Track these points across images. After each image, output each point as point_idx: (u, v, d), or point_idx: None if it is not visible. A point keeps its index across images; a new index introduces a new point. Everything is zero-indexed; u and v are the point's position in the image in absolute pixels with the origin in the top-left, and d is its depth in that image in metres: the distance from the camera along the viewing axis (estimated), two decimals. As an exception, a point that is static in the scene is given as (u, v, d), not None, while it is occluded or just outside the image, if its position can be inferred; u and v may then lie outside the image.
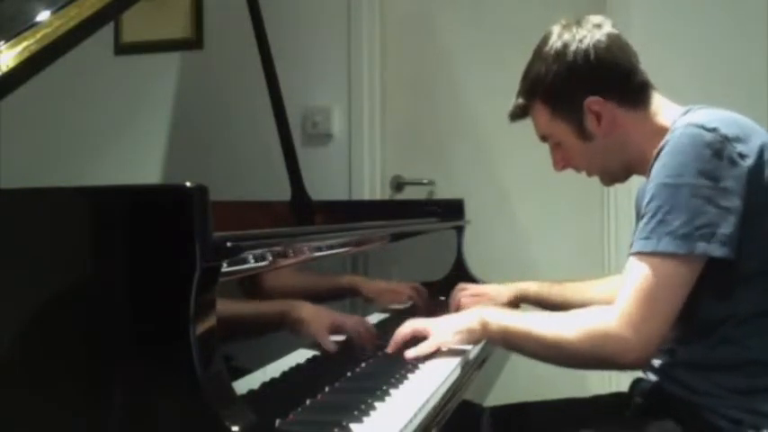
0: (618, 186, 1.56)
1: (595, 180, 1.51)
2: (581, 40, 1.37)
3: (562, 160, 1.48)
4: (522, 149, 2.59)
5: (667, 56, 2.37)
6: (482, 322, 1.35)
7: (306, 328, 1.22)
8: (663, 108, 1.39)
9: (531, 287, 1.74)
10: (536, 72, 1.42)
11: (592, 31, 1.38)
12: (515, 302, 1.73)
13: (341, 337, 1.32)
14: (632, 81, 1.39)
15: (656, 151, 1.27)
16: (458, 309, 1.69)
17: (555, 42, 1.40)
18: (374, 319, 1.55)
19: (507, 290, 1.74)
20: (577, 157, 1.46)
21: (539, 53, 1.43)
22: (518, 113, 1.48)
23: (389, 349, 1.38)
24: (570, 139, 1.42)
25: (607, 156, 1.42)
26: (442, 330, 1.37)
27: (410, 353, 1.33)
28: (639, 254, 1.22)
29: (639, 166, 1.39)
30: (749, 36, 2.36)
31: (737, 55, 2.37)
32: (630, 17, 2.42)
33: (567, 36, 1.39)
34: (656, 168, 1.24)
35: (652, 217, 1.22)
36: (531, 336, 1.30)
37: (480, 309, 1.45)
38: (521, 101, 1.46)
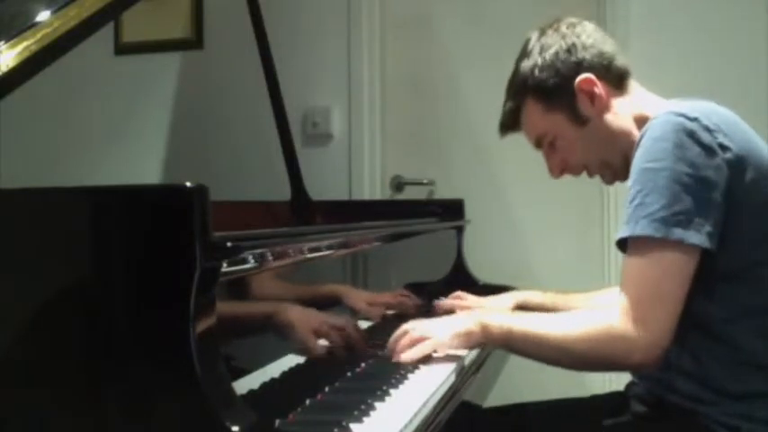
0: (618, 186, 1.55)
1: (596, 180, 1.50)
2: (563, 36, 1.41)
3: (560, 163, 1.46)
4: (523, 149, 2.59)
5: (666, 54, 2.38)
6: (482, 325, 1.32)
7: (292, 332, 1.20)
8: (645, 97, 1.41)
9: (535, 297, 1.71)
10: (522, 71, 1.43)
11: (570, 26, 1.42)
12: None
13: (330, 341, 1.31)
14: (615, 64, 1.41)
15: (638, 138, 1.27)
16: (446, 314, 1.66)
17: (536, 41, 1.43)
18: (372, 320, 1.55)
19: (509, 302, 1.70)
20: (576, 151, 1.43)
21: (521, 56, 1.45)
22: (508, 121, 1.48)
23: (388, 349, 1.36)
24: (566, 129, 1.41)
25: (604, 143, 1.40)
26: (441, 333, 1.34)
27: (406, 355, 1.30)
28: (622, 242, 1.23)
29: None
30: (749, 33, 2.36)
31: (738, 53, 2.37)
32: (629, 16, 2.43)
33: (549, 32, 1.43)
34: (637, 155, 1.24)
35: (632, 201, 1.22)
36: (535, 339, 1.28)
37: (480, 311, 1.44)
38: (510, 104, 1.47)
